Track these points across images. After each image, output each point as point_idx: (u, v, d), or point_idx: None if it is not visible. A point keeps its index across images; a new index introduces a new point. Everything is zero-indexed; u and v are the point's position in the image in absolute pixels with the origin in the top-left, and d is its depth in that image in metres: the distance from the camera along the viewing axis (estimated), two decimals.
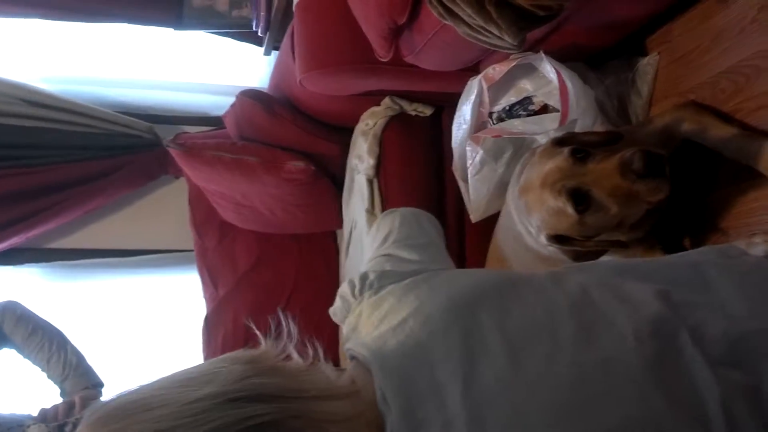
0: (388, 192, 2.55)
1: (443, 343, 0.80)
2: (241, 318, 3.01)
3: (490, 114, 2.10)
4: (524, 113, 2.05)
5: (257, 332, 0.85)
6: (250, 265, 3.29)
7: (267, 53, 3.38)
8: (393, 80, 2.36)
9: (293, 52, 2.51)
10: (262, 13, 3.14)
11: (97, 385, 2.13)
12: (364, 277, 1.00)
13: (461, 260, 2.52)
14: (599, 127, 1.89)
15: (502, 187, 2.02)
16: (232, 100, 3.02)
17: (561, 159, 1.54)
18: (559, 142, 1.62)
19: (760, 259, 0.97)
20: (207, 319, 3.20)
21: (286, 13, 3.04)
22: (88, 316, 3.31)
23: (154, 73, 3.57)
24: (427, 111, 2.57)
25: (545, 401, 0.73)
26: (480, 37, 1.68)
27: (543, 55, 1.87)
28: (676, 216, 1.78)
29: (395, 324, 0.86)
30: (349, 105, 2.65)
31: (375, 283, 0.98)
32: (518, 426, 0.71)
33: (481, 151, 2.04)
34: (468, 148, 2.07)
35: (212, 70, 3.66)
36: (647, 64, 2.01)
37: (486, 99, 2.05)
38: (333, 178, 2.96)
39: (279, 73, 2.98)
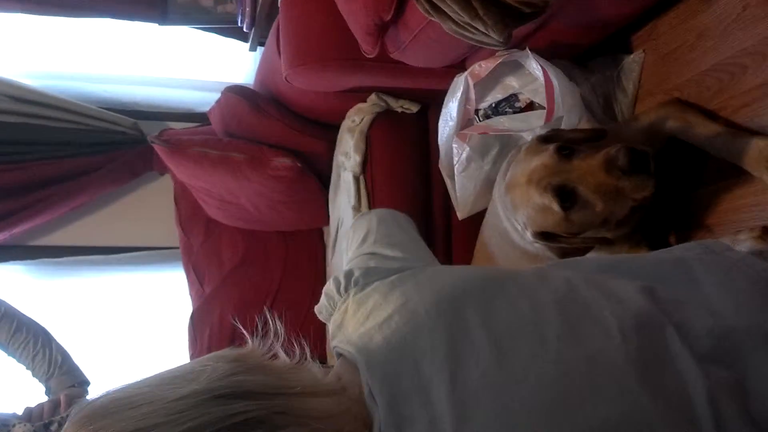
0: (374, 189, 2.55)
1: (429, 340, 0.80)
2: (227, 315, 3.00)
3: (477, 111, 2.10)
4: (510, 110, 2.06)
5: (244, 331, 0.84)
6: (236, 262, 3.28)
7: (252, 49, 3.37)
8: (379, 77, 2.35)
9: (279, 48, 2.50)
10: (247, 9, 3.13)
11: (83, 383, 2.12)
12: (349, 274, 0.99)
13: (448, 257, 2.53)
14: (585, 125, 1.89)
15: (488, 185, 2.02)
16: (217, 96, 3.00)
17: (546, 156, 1.54)
18: (544, 139, 1.62)
19: (745, 254, 0.97)
20: (193, 317, 3.18)
21: (272, 8, 3.04)
22: (74, 313, 3.30)
23: (139, 69, 3.55)
24: (414, 108, 2.57)
25: (531, 397, 0.73)
26: (466, 33, 1.68)
27: (529, 52, 1.87)
28: (661, 213, 1.79)
29: (381, 321, 0.86)
30: (335, 101, 2.65)
31: (360, 280, 0.98)
32: (504, 422, 0.71)
33: (467, 148, 2.04)
34: (454, 145, 2.07)
35: (197, 66, 3.65)
36: (632, 62, 2.01)
37: (472, 96, 2.05)
38: (319, 175, 2.96)
39: (264, 69, 2.97)
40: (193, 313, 3.20)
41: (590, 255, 1.70)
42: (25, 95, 3.07)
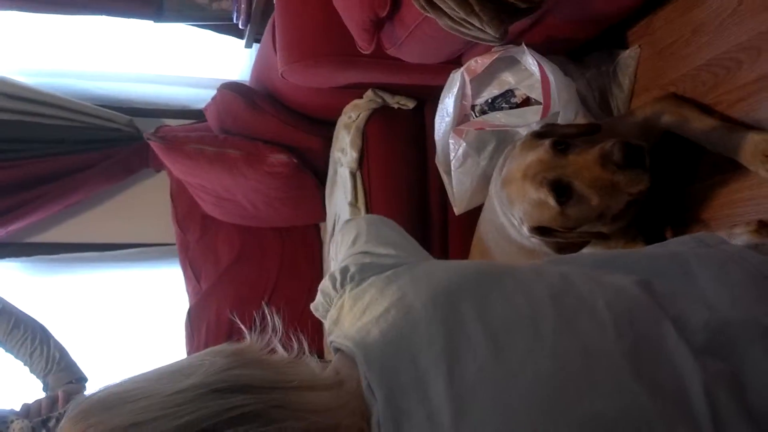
0: (371, 185, 2.55)
1: (426, 334, 0.80)
2: (224, 312, 3.00)
3: (473, 107, 2.11)
4: (506, 106, 2.06)
5: (241, 326, 0.84)
6: (232, 258, 3.28)
7: (248, 46, 3.37)
8: (375, 73, 2.35)
9: (274, 45, 2.49)
10: (242, 6, 3.12)
11: (81, 379, 2.12)
12: (344, 270, 0.99)
13: (444, 253, 2.53)
14: (581, 120, 1.89)
15: (485, 180, 2.03)
16: (213, 93, 3.00)
17: (542, 151, 1.54)
18: (539, 135, 1.62)
19: (740, 248, 0.97)
20: (190, 313, 3.18)
21: (267, 5, 3.03)
22: (70, 310, 3.29)
23: (135, 66, 3.54)
24: (410, 104, 2.57)
25: (528, 392, 0.73)
26: (462, 29, 1.68)
27: (525, 47, 1.88)
28: (657, 208, 1.79)
29: (377, 315, 0.86)
30: (331, 97, 2.65)
31: (356, 275, 0.98)
32: (501, 416, 0.71)
33: (464, 144, 2.04)
34: (451, 141, 2.08)
35: (193, 63, 3.64)
36: (628, 57, 2.02)
37: (468, 92, 2.05)
38: (316, 171, 2.96)
39: (260, 66, 2.97)
40: (189, 310, 3.20)
41: (586, 250, 1.70)
42: (20, 93, 3.06)
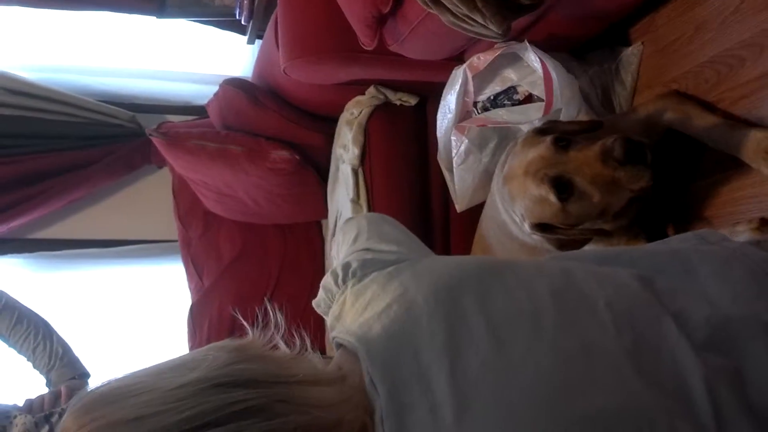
0: (373, 181, 2.55)
1: (428, 328, 0.80)
2: (226, 308, 3.00)
3: (475, 103, 2.10)
4: (509, 103, 2.06)
5: (243, 322, 0.85)
6: (234, 255, 3.28)
7: (250, 42, 3.36)
8: (377, 69, 2.35)
9: (277, 41, 2.49)
10: (245, 2, 3.12)
11: (84, 375, 2.12)
12: (346, 266, 0.99)
13: (446, 250, 2.53)
14: (583, 117, 1.89)
15: (487, 177, 2.03)
16: (215, 89, 3.00)
17: (543, 147, 1.54)
18: (541, 131, 1.62)
19: (742, 244, 0.98)
20: (192, 310, 3.19)
21: (270, 1, 3.03)
22: (72, 307, 3.29)
23: (137, 62, 3.54)
24: (412, 100, 2.57)
25: (528, 386, 0.73)
26: (464, 25, 1.68)
27: (527, 44, 1.88)
28: (660, 205, 1.79)
29: (380, 310, 0.86)
30: (333, 94, 2.65)
31: (358, 271, 0.98)
32: (503, 410, 0.72)
33: (466, 141, 2.04)
34: (453, 138, 2.08)
35: (195, 59, 3.64)
36: (631, 54, 2.01)
37: (471, 88, 2.05)
38: (317, 168, 2.96)
39: (263, 62, 2.96)
40: (192, 306, 3.20)
41: (588, 247, 1.70)
42: (22, 88, 3.06)
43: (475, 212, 2.12)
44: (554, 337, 0.78)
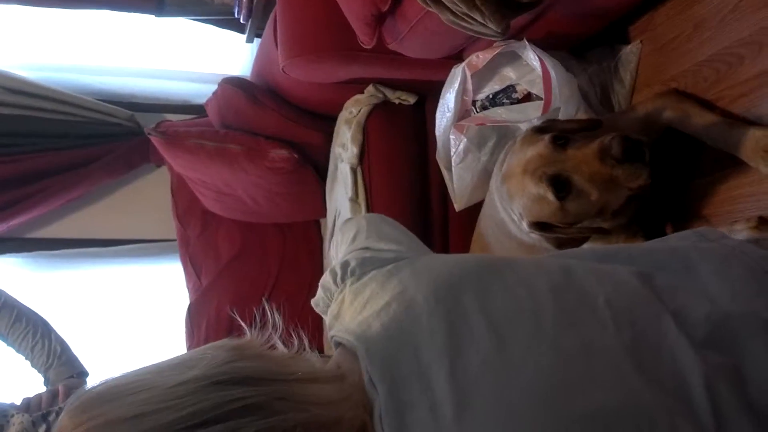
0: (371, 180, 2.55)
1: (427, 326, 0.80)
2: (224, 308, 3.00)
3: (474, 102, 2.10)
4: (508, 101, 2.05)
5: (241, 322, 0.85)
6: (233, 254, 3.28)
7: (249, 40, 3.37)
8: (376, 68, 2.35)
9: (276, 39, 2.49)
10: (244, 0, 3.12)
11: (82, 373, 2.12)
12: (345, 265, 0.99)
13: (445, 249, 2.53)
14: (582, 115, 1.89)
15: (485, 176, 2.02)
16: (214, 87, 3.00)
17: (542, 146, 1.54)
18: (539, 130, 1.62)
19: (741, 242, 0.98)
20: (190, 309, 3.19)
21: None
22: (70, 306, 3.29)
23: (136, 61, 3.55)
24: (411, 99, 2.57)
25: (529, 384, 0.73)
26: (463, 24, 1.68)
27: (526, 43, 1.87)
28: (658, 203, 1.79)
29: (379, 308, 0.86)
30: (332, 93, 2.64)
31: (357, 270, 0.97)
32: (502, 408, 0.72)
33: (464, 140, 2.04)
34: (452, 137, 2.07)
35: (194, 58, 3.64)
36: (630, 53, 2.01)
37: (469, 87, 2.05)
38: (316, 167, 2.95)
39: (262, 61, 2.96)
40: (190, 306, 3.20)
41: (587, 245, 1.70)
42: (21, 87, 3.06)
43: (473, 211, 2.12)
44: (554, 335, 0.78)
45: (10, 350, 2.17)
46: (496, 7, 1.58)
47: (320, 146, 2.86)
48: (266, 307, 0.85)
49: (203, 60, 3.64)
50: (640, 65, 2.00)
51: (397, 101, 2.57)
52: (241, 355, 0.75)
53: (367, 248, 1.04)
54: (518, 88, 2.05)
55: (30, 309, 2.21)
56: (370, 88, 2.55)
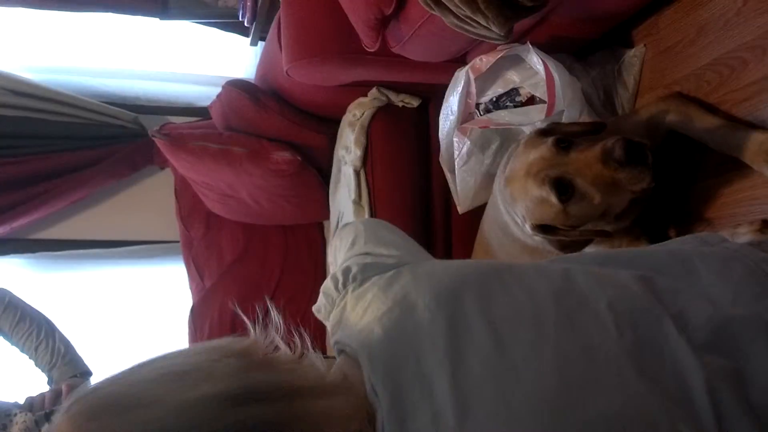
0: (375, 183, 2.55)
1: (429, 332, 0.80)
2: (227, 309, 3.01)
3: (477, 105, 2.10)
4: (511, 104, 2.06)
5: (246, 321, 0.84)
6: (236, 256, 3.29)
7: (253, 43, 3.37)
8: (380, 71, 2.36)
9: (280, 42, 2.50)
10: (248, 3, 3.13)
11: (85, 373, 2.13)
12: (346, 271, 0.99)
13: (447, 251, 2.53)
14: (585, 119, 1.89)
15: (488, 178, 2.03)
16: (218, 90, 3.00)
17: (545, 149, 1.55)
18: (543, 133, 1.62)
19: (742, 245, 0.97)
20: (193, 310, 3.19)
21: (273, 2, 3.04)
22: (74, 307, 3.30)
23: (140, 64, 3.55)
24: (414, 102, 2.57)
25: (531, 389, 0.73)
26: (467, 27, 1.68)
27: (530, 46, 1.88)
28: (661, 207, 1.79)
29: (380, 314, 0.85)
30: (335, 95, 2.65)
31: (358, 275, 0.97)
32: (504, 413, 0.71)
33: (468, 143, 2.04)
34: (455, 140, 2.08)
35: (198, 61, 3.65)
36: (633, 56, 2.02)
37: (473, 90, 2.05)
38: (320, 169, 2.96)
39: (265, 64, 2.97)
40: (193, 307, 3.21)
41: (589, 248, 1.70)
42: (25, 89, 3.07)
43: (476, 214, 2.12)
44: (556, 340, 0.78)
45: (15, 349, 2.17)
46: (500, 11, 1.58)
47: (323, 149, 2.87)
48: (269, 305, 0.85)
49: (207, 63, 3.65)
50: (644, 69, 2.00)
51: (400, 104, 2.57)
52: (251, 364, 0.75)
53: (367, 254, 1.04)
54: (522, 91, 2.05)
55: (34, 309, 2.22)
56: (374, 91, 2.55)
